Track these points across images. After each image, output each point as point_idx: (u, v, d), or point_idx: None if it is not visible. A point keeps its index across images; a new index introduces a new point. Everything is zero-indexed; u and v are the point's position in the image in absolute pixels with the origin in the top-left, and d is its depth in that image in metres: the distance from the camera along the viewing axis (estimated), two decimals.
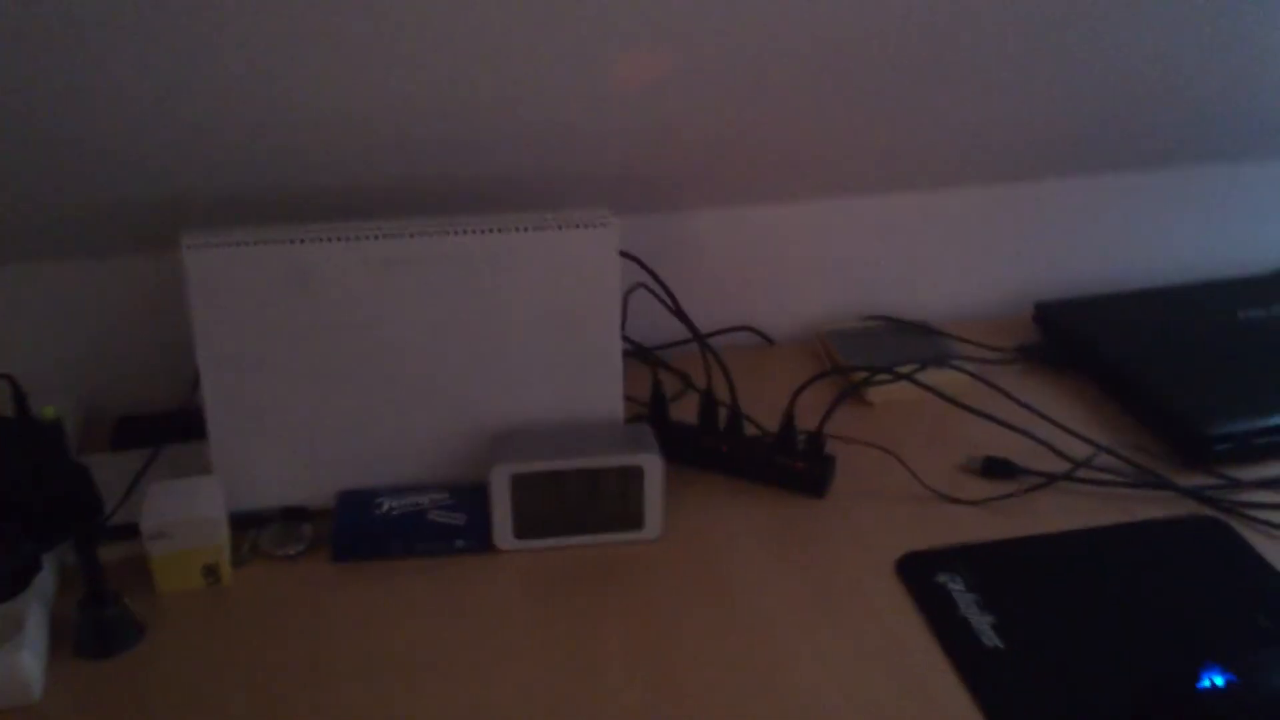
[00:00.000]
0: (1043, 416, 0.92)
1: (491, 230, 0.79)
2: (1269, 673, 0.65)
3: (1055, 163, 1.05)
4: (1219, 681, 0.65)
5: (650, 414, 0.89)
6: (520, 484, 0.78)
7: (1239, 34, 0.91)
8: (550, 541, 0.80)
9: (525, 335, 0.82)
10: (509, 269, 0.80)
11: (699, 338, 0.87)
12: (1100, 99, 0.96)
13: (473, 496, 0.82)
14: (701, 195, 1.00)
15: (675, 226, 1.02)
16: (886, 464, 0.90)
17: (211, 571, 0.76)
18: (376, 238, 0.78)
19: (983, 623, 0.74)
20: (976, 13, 0.83)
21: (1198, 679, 0.65)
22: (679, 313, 0.89)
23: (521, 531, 0.80)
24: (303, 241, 0.77)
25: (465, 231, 0.79)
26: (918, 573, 0.78)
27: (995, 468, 0.88)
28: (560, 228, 0.80)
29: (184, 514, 0.75)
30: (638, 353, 0.96)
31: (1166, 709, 0.65)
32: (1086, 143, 1.03)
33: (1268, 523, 0.82)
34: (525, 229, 0.80)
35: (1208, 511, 0.84)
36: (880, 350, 1.01)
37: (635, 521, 0.81)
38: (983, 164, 1.03)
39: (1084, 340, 1.01)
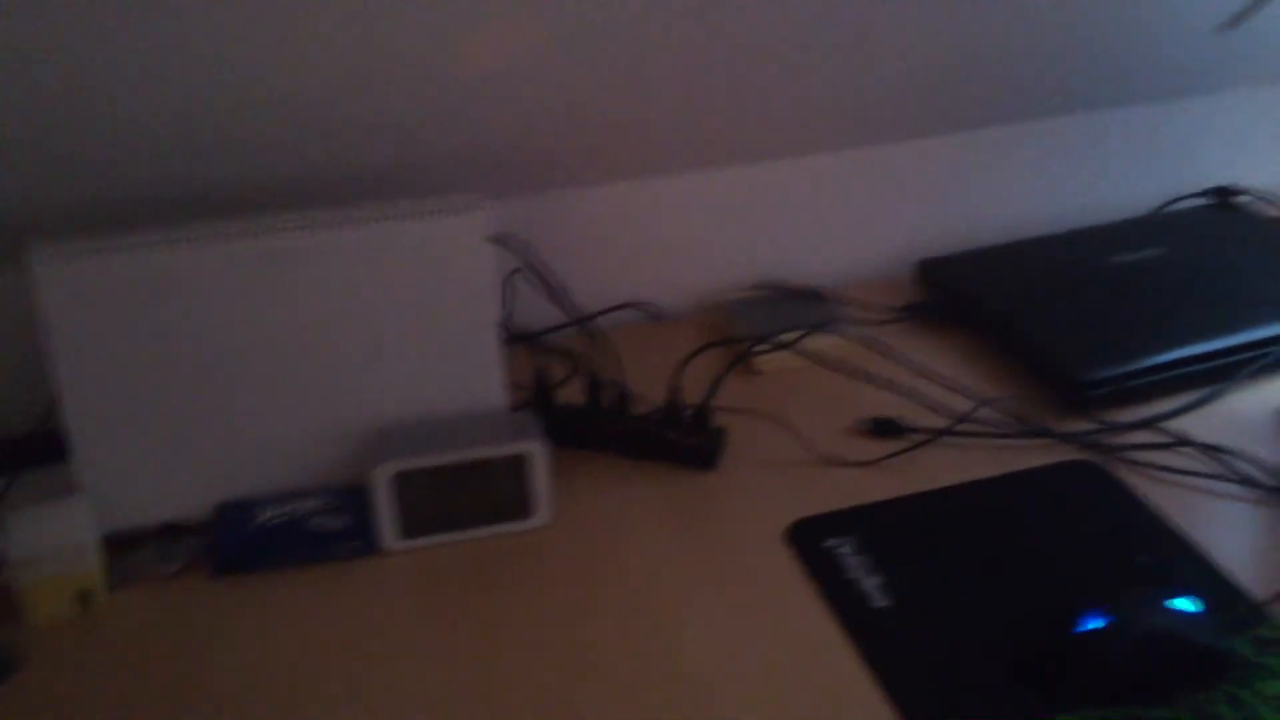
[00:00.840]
0: (926, 375, 0.93)
1: (356, 222, 0.78)
2: (1143, 611, 0.67)
3: (931, 121, 1.06)
4: (1098, 623, 0.66)
5: (535, 400, 0.88)
6: (404, 482, 0.77)
7: None
8: (439, 538, 0.79)
9: (400, 328, 0.80)
10: (377, 261, 0.78)
11: (577, 319, 0.86)
12: (968, 55, 0.97)
13: (357, 498, 0.80)
14: (582, 173, 0.99)
15: (557, 206, 1.01)
16: (777, 432, 0.90)
17: (85, 597, 0.74)
18: (238, 238, 0.76)
19: (870, 583, 0.75)
20: None
21: (1076, 622, 0.67)
22: (555, 295, 0.88)
23: (409, 531, 0.78)
24: (161, 245, 0.75)
25: (329, 226, 0.77)
26: (807, 539, 0.79)
27: (883, 428, 0.89)
28: (427, 216, 0.78)
29: (50, 539, 0.72)
30: (522, 338, 0.95)
31: (1047, 654, 0.67)
32: (960, 100, 1.04)
33: (1141, 462, 0.84)
34: (391, 219, 0.78)
35: (1086, 456, 0.86)
36: (771, 318, 1.01)
37: (524, 510, 0.80)
38: (862, 125, 1.04)
39: (965, 295, 1.02)
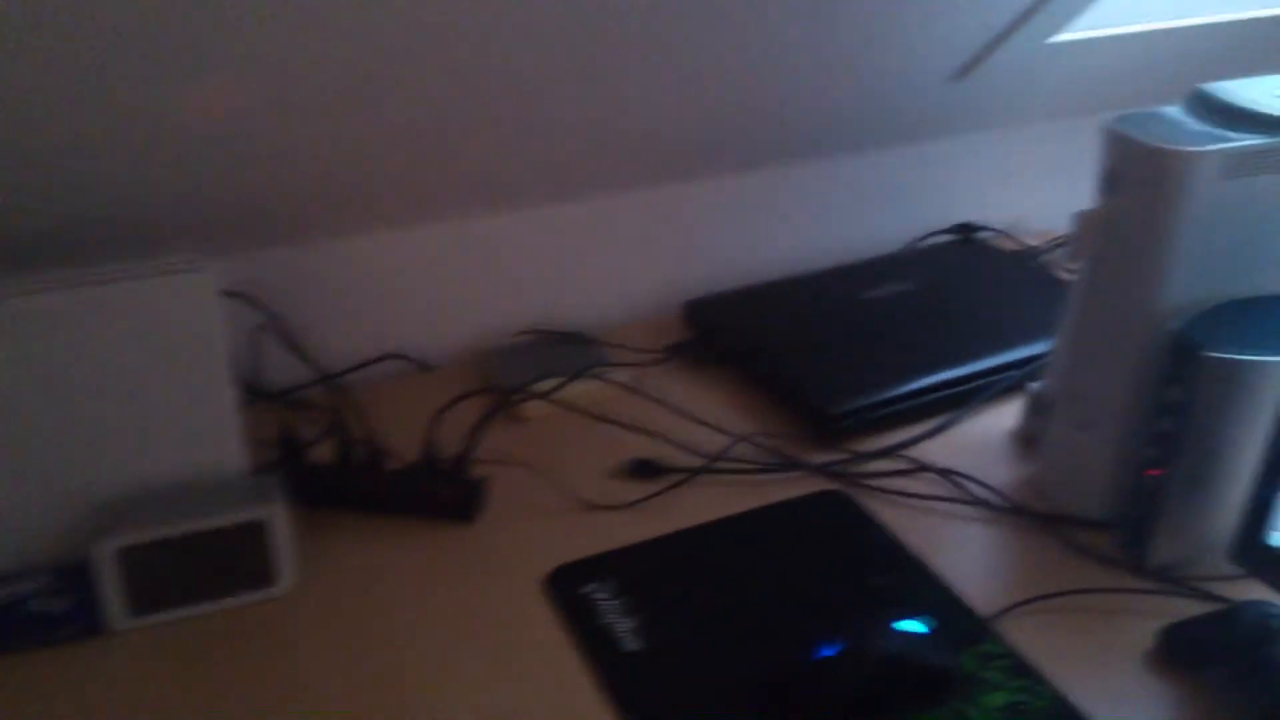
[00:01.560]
0: (688, 414, 0.94)
1: (77, 285, 0.74)
2: (873, 635, 0.69)
3: (695, 166, 1.09)
4: (831, 651, 0.68)
5: (284, 460, 0.85)
6: (130, 556, 0.73)
7: (838, 33, 0.96)
8: (174, 614, 0.75)
9: (128, 392, 0.76)
10: (101, 325, 0.74)
11: (326, 375, 0.84)
12: (724, 104, 1.00)
13: (82, 576, 0.75)
14: (336, 224, 0.97)
15: (314, 259, 0.98)
16: (540, 480, 0.90)
17: None
18: None
19: (623, 627, 0.75)
20: (596, 18, 0.84)
21: (812, 650, 0.68)
22: (299, 350, 0.85)
23: (139, 608, 0.74)
24: None
25: (48, 289, 0.73)
26: (565, 586, 0.78)
27: (643, 469, 0.90)
28: (152, 276, 0.75)
29: None
30: (270, 396, 0.92)
31: (786, 683, 0.68)
32: (722, 145, 1.07)
33: (884, 489, 0.88)
34: (114, 280, 0.74)
35: (835, 485, 0.88)
36: (537, 364, 1.01)
37: (266, 578, 0.77)
38: (627, 170, 1.06)
39: (727, 334, 1.05)
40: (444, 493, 0.85)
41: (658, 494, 0.87)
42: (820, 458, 0.91)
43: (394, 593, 0.78)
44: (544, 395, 0.92)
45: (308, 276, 0.99)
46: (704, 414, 0.97)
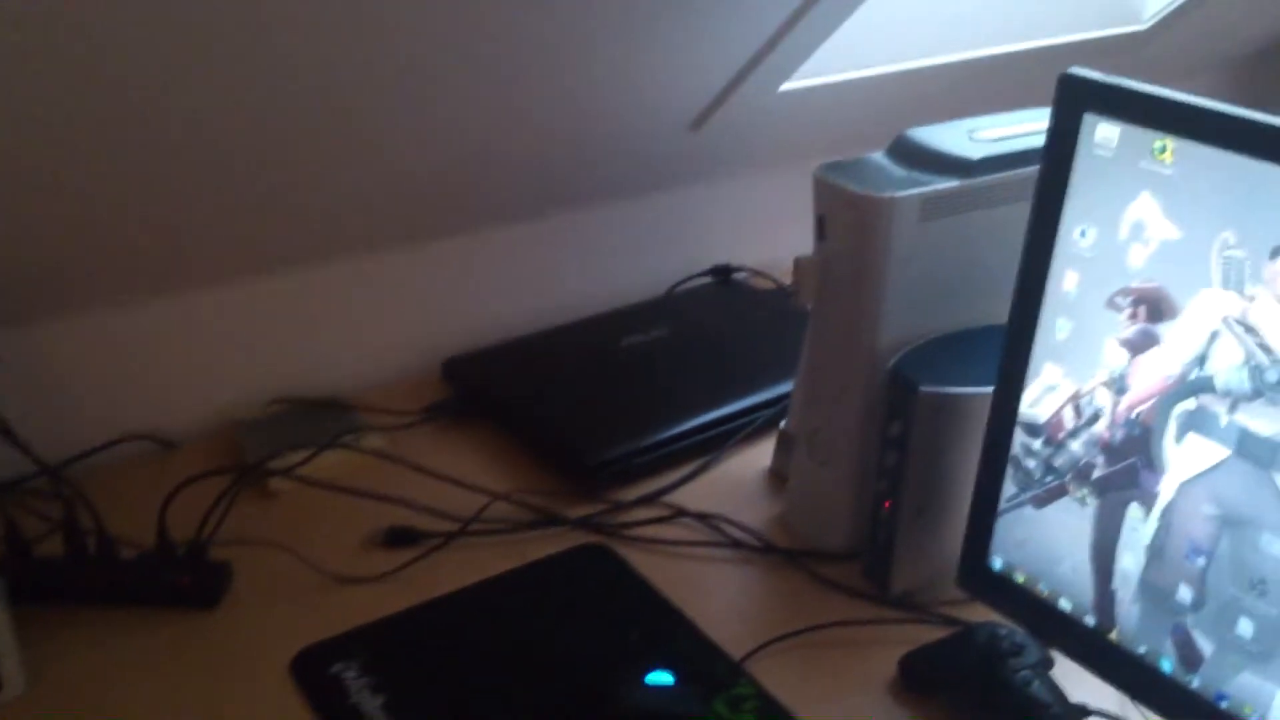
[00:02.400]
0: (447, 476, 0.93)
1: None
2: (623, 691, 0.69)
3: (449, 220, 1.08)
4: (583, 708, 0.68)
5: (7, 557, 0.79)
6: None
7: (575, 85, 0.97)
8: None
9: None
10: None
11: (49, 467, 0.79)
12: (472, 158, 1.00)
13: None
14: (60, 300, 0.91)
15: (27, 341, 0.92)
16: (289, 557, 0.86)
17: None
18: None
19: (374, 706, 0.72)
20: (336, 77, 0.82)
21: (566, 710, 0.68)
22: (14, 440, 0.80)
23: None
24: None
25: None
26: (312, 669, 0.75)
27: (399, 538, 0.87)
28: None
29: None
30: None
31: None
32: (475, 200, 1.06)
33: (644, 538, 0.88)
34: None
35: (596, 538, 0.88)
36: (288, 434, 0.97)
37: None
38: (378, 227, 1.04)
39: (486, 390, 1.04)
40: (182, 579, 0.80)
41: (413, 562, 0.85)
42: (581, 511, 0.91)
43: (132, 691, 0.73)
44: (290, 469, 0.88)
45: (28, 359, 0.92)
46: (463, 475, 0.95)
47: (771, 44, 1.00)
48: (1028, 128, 0.80)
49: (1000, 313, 0.67)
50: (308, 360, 1.06)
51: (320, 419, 1.00)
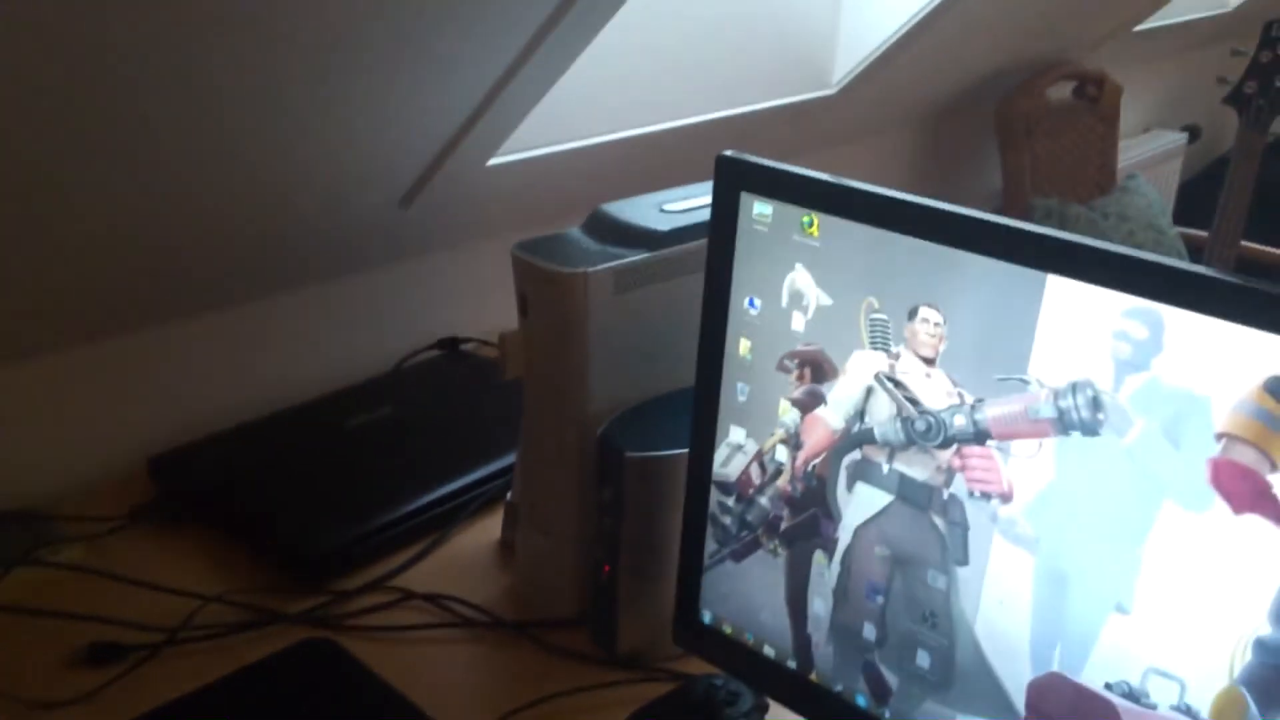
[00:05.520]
0: (150, 584, 0.87)
1: None
2: None
3: (156, 309, 1.03)
4: None
5: None
6: None
7: (274, 164, 0.95)
8: None
9: None
10: None
11: None
12: (161, 243, 0.96)
13: None
14: None
15: None
16: None
17: None
18: None
19: None
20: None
21: None
22: None
23: None
24: None
25: None
26: None
27: (101, 654, 0.82)
28: None
29: None
30: None
31: None
32: (187, 285, 1.02)
33: (369, 626, 0.86)
34: None
35: (319, 632, 0.86)
36: None
37: None
38: (67, 324, 0.97)
39: (195, 487, 0.99)
40: None
41: (119, 678, 0.80)
42: (302, 605, 0.88)
43: None
44: None
45: None
46: (173, 580, 0.90)
47: (474, 118, 1.01)
48: (709, 199, 0.84)
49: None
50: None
51: (8, 533, 0.93)
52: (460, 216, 1.20)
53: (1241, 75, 1.78)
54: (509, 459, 1.02)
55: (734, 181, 0.63)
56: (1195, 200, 2.54)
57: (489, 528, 0.99)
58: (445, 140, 1.02)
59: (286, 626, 0.86)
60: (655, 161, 1.33)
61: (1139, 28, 2.15)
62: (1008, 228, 0.55)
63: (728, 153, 0.63)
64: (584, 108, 1.19)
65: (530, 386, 0.83)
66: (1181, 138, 2.61)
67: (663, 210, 0.82)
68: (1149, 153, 2.48)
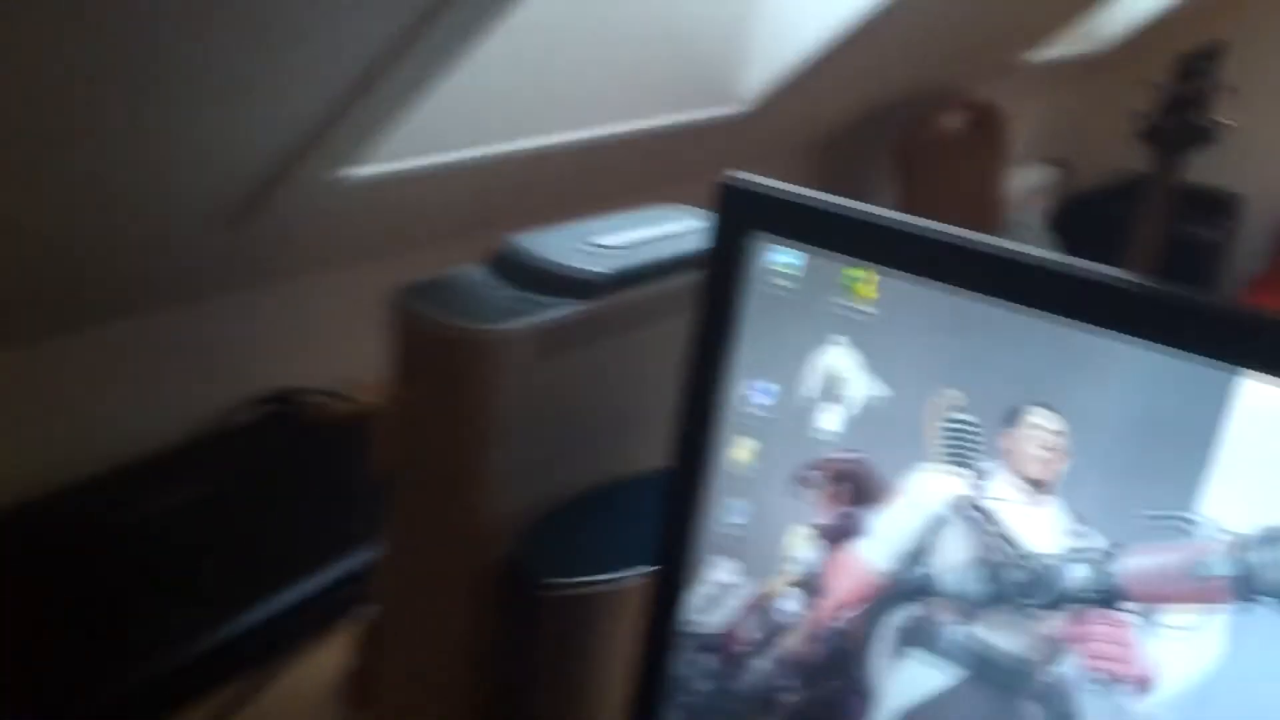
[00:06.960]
0: None
1: None
2: None
3: None
4: None
5: None
6: None
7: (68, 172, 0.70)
8: None
9: None
10: None
11: None
12: None
13: None
14: None
15: None
16: None
17: None
18: None
19: None
20: None
21: None
22: None
23: None
24: None
25: None
26: None
27: None
28: None
29: None
30: None
31: None
32: None
33: None
34: None
35: None
36: None
37: None
38: None
39: None
40: None
41: None
42: None
43: None
44: None
45: None
46: None
47: (329, 122, 0.79)
48: (654, 232, 0.64)
49: (652, 457, 0.51)
50: None
51: None
52: (313, 238, 0.97)
53: (1156, 108, 1.73)
54: (362, 556, 0.79)
55: (744, 218, 0.43)
56: (1063, 233, 2.53)
57: (332, 656, 0.75)
58: (291, 145, 0.79)
59: None
60: (546, 182, 1.13)
61: (1026, 58, 2.09)
62: (1181, 300, 0.37)
63: (736, 175, 0.44)
64: (464, 118, 0.98)
65: (407, 482, 0.60)
66: (1054, 171, 2.61)
67: (597, 246, 0.61)
68: (1025, 186, 2.46)
